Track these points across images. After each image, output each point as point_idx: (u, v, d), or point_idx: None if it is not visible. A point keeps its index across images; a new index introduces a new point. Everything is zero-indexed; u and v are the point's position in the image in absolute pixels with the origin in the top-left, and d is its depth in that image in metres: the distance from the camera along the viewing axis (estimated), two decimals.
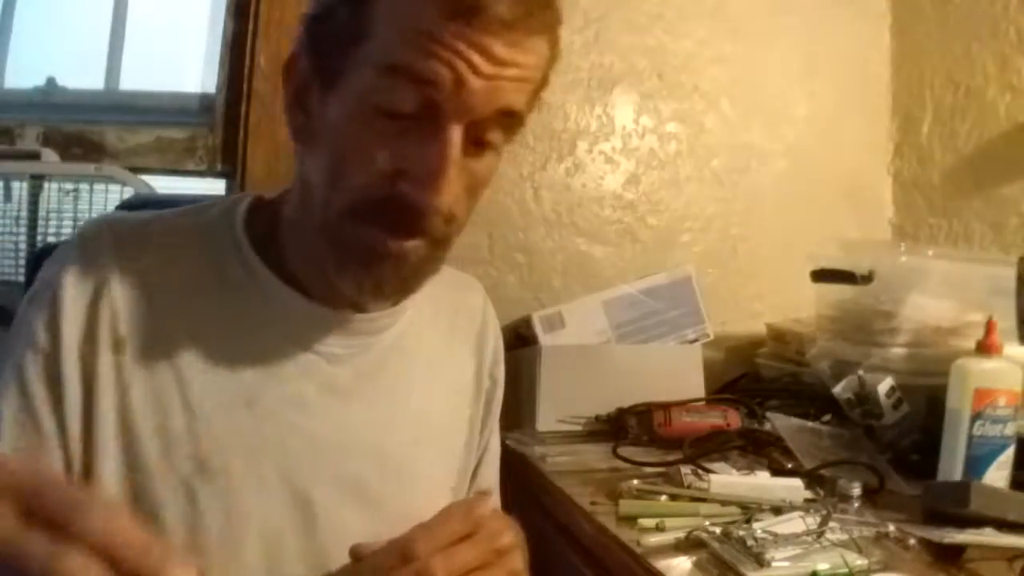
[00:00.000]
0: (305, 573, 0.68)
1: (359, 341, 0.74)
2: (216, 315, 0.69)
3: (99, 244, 0.68)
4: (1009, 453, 0.90)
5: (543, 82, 0.67)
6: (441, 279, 0.81)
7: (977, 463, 0.90)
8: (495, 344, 0.88)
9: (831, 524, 0.81)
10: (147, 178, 1.49)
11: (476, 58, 0.59)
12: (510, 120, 0.64)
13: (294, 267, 0.71)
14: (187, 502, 0.65)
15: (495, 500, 0.92)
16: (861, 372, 1.10)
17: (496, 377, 0.88)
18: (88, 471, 0.64)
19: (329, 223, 0.65)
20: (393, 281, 0.67)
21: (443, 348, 0.83)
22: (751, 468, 1.02)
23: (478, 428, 0.86)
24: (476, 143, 0.63)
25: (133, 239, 0.70)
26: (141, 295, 0.67)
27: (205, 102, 1.60)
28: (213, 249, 0.71)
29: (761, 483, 0.93)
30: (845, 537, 0.79)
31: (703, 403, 1.22)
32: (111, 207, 1.42)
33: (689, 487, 0.95)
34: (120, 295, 0.66)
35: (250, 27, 1.43)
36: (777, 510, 0.87)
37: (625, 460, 1.07)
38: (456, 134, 0.61)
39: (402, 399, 0.76)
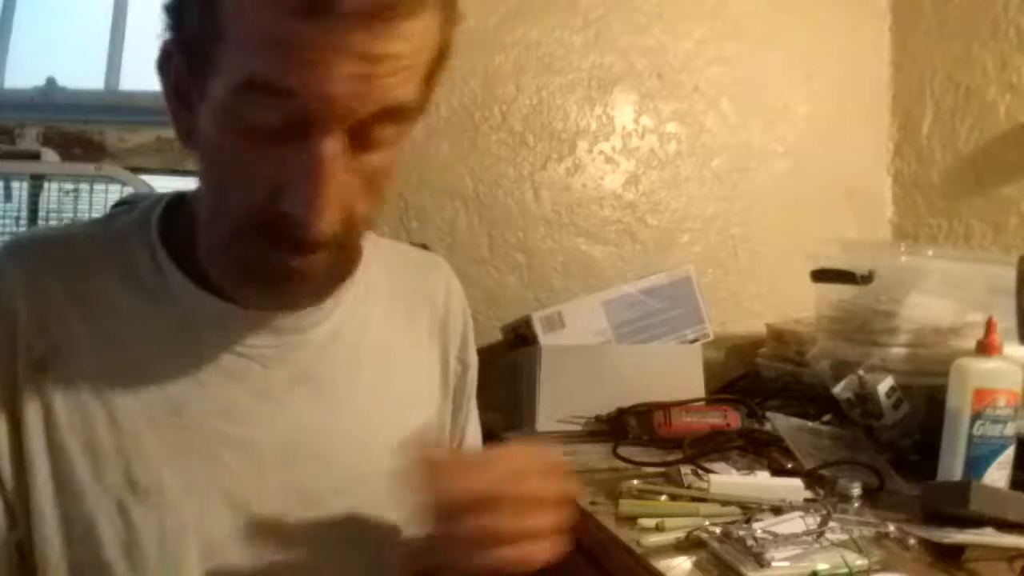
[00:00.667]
0: None
1: (289, 340, 0.69)
2: (135, 325, 0.65)
3: (10, 267, 0.65)
4: (1009, 453, 0.90)
5: (440, 55, 0.59)
6: (401, 263, 0.79)
7: (977, 463, 0.90)
8: (463, 327, 0.83)
9: (831, 524, 0.81)
10: (147, 178, 1.48)
11: (339, 60, 0.51)
12: (398, 115, 0.57)
13: (206, 268, 0.66)
14: (121, 521, 0.62)
15: None
16: (861, 372, 1.10)
17: (466, 361, 0.83)
18: (22, 496, 0.62)
19: (224, 241, 0.60)
20: (302, 295, 0.64)
21: (401, 337, 0.78)
22: (751, 468, 1.02)
23: (449, 417, 0.82)
24: (363, 142, 0.57)
25: (45, 257, 0.66)
26: (57, 313, 0.64)
27: None
28: (128, 256, 0.67)
29: (761, 483, 0.93)
30: (845, 537, 0.79)
31: (703, 403, 1.22)
32: (111, 207, 1.42)
33: (689, 487, 0.95)
34: (35, 315, 0.63)
35: None
36: (777, 510, 0.87)
37: (625, 460, 1.07)
38: (330, 147, 0.54)
39: (344, 397, 0.71)
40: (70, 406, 0.63)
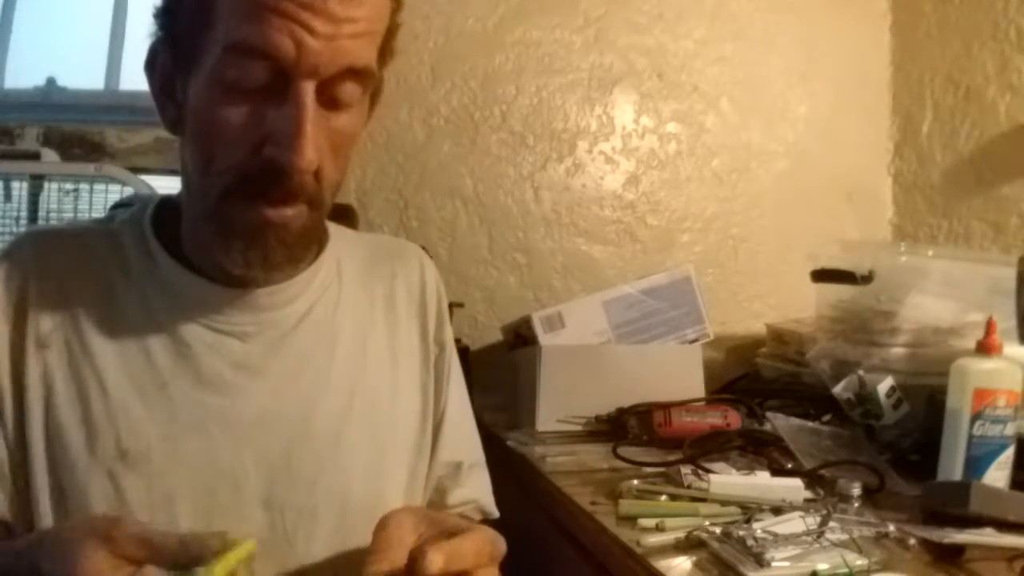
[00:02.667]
0: None
1: (266, 316, 0.75)
2: (127, 307, 0.72)
3: (22, 256, 0.73)
4: (1009, 453, 0.90)
5: (390, 31, 0.69)
6: (375, 250, 0.86)
7: (977, 463, 0.89)
8: (438, 308, 0.87)
9: (831, 524, 0.81)
10: (147, 178, 1.49)
11: (311, 20, 0.61)
12: (360, 76, 0.66)
13: (192, 255, 0.74)
14: (112, 489, 0.67)
15: (473, 476, 0.88)
16: (861, 372, 1.10)
17: (442, 342, 0.86)
18: (22, 462, 0.68)
19: (211, 207, 0.68)
20: (279, 250, 0.68)
21: (379, 317, 0.82)
22: (751, 468, 1.02)
23: (432, 397, 0.84)
24: (331, 102, 0.65)
25: (51, 249, 0.74)
26: (59, 298, 0.71)
27: None
28: (122, 248, 0.74)
29: (761, 483, 0.93)
30: (845, 537, 0.79)
31: (703, 403, 1.22)
32: (110, 207, 1.42)
33: (689, 487, 0.95)
34: (41, 299, 0.71)
35: None
36: (777, 510, 0.87)
37: (625, 460, 1.07)
38: (307, 93, 0.63)
39: (321, 369, 0.76)
40: (68, 380, 0.69)
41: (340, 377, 0.77)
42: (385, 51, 0.69)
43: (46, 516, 0.67)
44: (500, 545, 0.66)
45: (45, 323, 0.70)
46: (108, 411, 0.69)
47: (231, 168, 0.65)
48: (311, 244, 0.73)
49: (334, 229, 0.83)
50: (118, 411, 0.69)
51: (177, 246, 0.74)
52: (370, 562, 0.59)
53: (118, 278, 0.73)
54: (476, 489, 0.87)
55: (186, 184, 0.73)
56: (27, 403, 0.68)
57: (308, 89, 0.63)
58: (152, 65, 0.71)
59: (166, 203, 0.78)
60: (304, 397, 0.75)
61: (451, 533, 0.63)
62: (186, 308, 0.72)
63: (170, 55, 0.69)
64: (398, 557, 0.59)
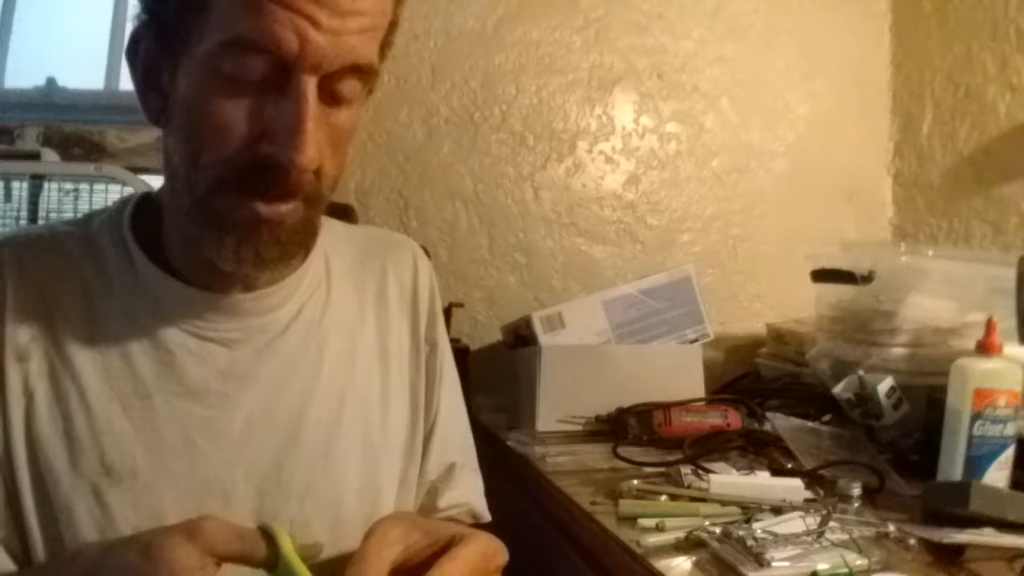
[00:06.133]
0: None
1: (254, 322, 0.72)
2: (107, 316, 0.69)
3: (1, 261, 0.69)
4: (1009, 453, 0.90)
5: (392, 24, 0.66)
6: (366, 244, 0.83)
7: (977, 463, 0.89)
8: (430, 304, 0.84)
9: (831, 524, 0.81)
10: (147, 178, 1.49)
11: (316, 12, 0.58)
12: (363, 73, 0.63)
13: (174, 256, 0.70)
14: (97, 506, 0.65)
15: (465, 478, 0.86)
16: (861, 372, 1.10)
17: (434, 341, 0.83)
18: (9, 479, 0.65)
19: (199, 201, 0.64)
20: (272, 248, 0.65)
21: (370, 316, 0.80)
22: (751, 468, 1.02)
23: (422, 398, 0.81)
24: (331, 97, 0.63)
25: (29, 256, 0.70)
26: (39, 306, 0.68)
27: None
28: (101, 252, 0.71)
29: (761, 483, 0.93)
30: (845, 537, 0.79)
31: (703, 403, 1.22)
32: None
33: (689, 487, 0.95)
34: (20, 308, 0.67)
35: None
36: (777, 510, 0.87)
37: (625, 460, 1.07)
38: (309, 88, 0.60)
39: (313, 376, 0.74)
40: (48, 393, 0.66)
41: (330, 382, 0.74)
42: (385, 45, 0.67)
43: (34, 534, 0.64)
44: (500, 556, 0.64)
45: (24, 334, 0.67)
46: (91, 425, 0.66)
47: (223, 160, 0.62)
48: (305, 241, 0.69)
49: (323, 222, 0.79)
50: (101, 425, 0.66)
51: (158, 247, 0.71)
52: (348, 573, 0.58)
53: (98, 285, 0.70)
54: (468, 492, 0.84)
55: (170, 177, 0.68)
56: (8, 417, 0.65)
57: (310, 84, 0.60)
58: (134, 51, 0.66)
59: (146, 201, 0.75)
60: (293, 405, 0.72)
61: (445, 543, 0.62)
62: (169, 315, 0.69)
63: (155, 40, 0.65)
64: (378, 569, 0.58)
